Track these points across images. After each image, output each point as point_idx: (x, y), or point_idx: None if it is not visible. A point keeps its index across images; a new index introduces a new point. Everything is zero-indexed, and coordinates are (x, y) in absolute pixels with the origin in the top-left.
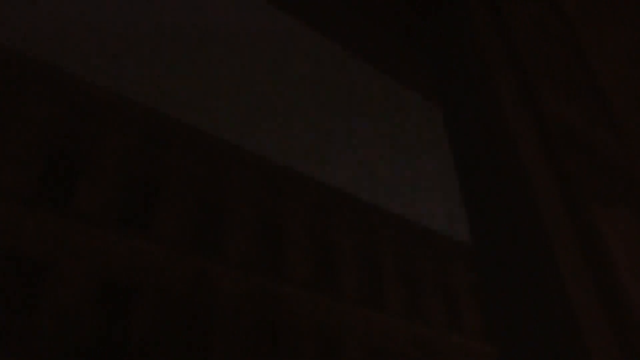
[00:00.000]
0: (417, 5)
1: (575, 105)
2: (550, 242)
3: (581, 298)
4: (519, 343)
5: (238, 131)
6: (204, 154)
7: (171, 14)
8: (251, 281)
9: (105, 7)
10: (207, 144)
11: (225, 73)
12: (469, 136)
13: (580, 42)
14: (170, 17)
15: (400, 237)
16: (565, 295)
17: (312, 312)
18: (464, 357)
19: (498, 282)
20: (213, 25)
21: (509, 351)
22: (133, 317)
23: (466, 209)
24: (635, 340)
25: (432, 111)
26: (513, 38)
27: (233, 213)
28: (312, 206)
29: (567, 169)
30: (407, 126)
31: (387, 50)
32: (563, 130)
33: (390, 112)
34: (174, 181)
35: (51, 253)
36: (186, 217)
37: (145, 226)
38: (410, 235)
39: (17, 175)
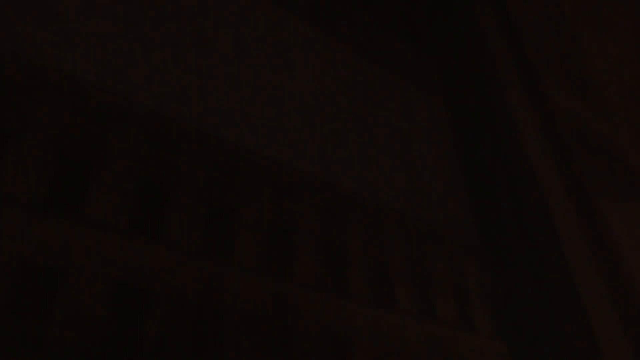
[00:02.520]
0: (424, 9)
1: (581, 101)
2: (559, 239)
3: (591, 294)
4: (529, 340)
5: (246, 134)
6: (213, 157)
7: (179, 17)
8: (261, 284)
9: (113, 12)
10: (216, 147)
11: (233, 76)
12: (475, 133)
13: (583, 42)
14: (178, 21)
15: (410, 236)
16: (574, 292)
17: (323, 314)
18: (475, 355)
19: (508, 279)
20: (221, 29)
21: (520, 348)
22: (145, 321)
23: (474, 207)
24: None
25: (440, 111)
26: (519, 37)
27: (242, 216)
28: (320, 207)
29: (576, 166)
30: (415, 126)
31: (395, 52)
32: (570, 125)
33: (398, 113)
34: (183, 185)
35: (62, 259)
36: (196, 220)
37: (155, 231)
38: (419, 234)
39: (27, 182)
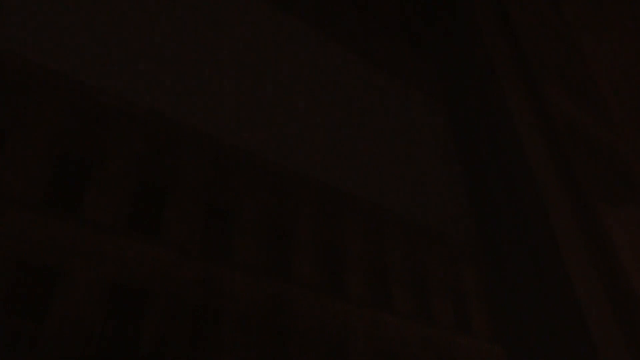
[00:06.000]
0: (425, 14)
1: (581, 105)
2: (558, 243)
3: (589, 298)
4: (527, 343)
5: (245, 134)
6: (212, 158)
7: (179, 18)
8: (259, 284)
9: (113, 12)
10: (214, 148)
11: (232, 77)
12: (475, 137)
13: (583, 45)
14: (178, 22)
15: (408, 238)
16: (573, 296)
17: (320, 315)
18: (472, 358)
19: (506, 283)
20: (221, 30)
21: (518, 352)
22: (143, 321)
23: (473, 209)
24: None
25: (441, 114)
26: (519, 41)
27: (241, 217)
28: (319, 208)
29: (575, 170)
30: (415, 129)
31: (396, 55)
32: (570, 129)
33: (398, 115)
34: (182, 185)
35: (60, 259)
36: (194, 221)
37: (154, 231)
38: (417, 236)
39: (26, 182)
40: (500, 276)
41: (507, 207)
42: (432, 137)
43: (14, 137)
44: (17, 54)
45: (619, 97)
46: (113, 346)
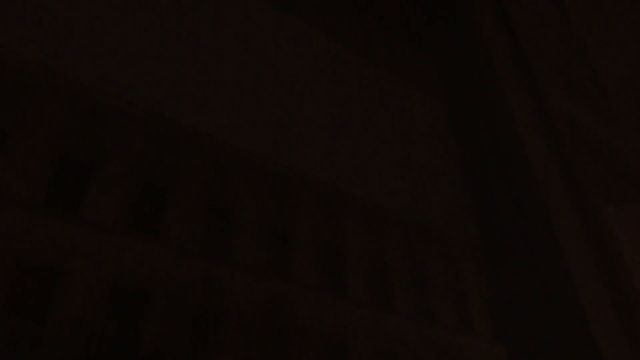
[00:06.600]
0: (424, 11)
1: (582, 104)
2: (559, 242)
3: (591, 298)
4: (527, 343)
5: (246, 135)
6: (212, 158)
7: (179, 18)
8: (259, 284)
9: (113, 12)
10: (215, 148)
11: (233, 77)
12: (476, 136)
13: (584, 44)
14: (178, 22)
15: (409, 238)
16: (574, 295)
17: (321, 315)
18: (473, 358)
19: (507, 282)
20: (221, 30)
21: (519, 352)
22: (144, 321)
23: (474, 209)
24: None
25: (441, 113)
26: (520, 40)
27: (241, 217)
28: (320, 208)
29: (576, 170)
30: (415, 128)
31: (396, 54)
32: (571, 128)
33: (398, 115)
34: (182, 186)
35: (61, 259)
36: (195, 221)
37: (154, 231)
38: (418, 236)
39: (26, 183)
40: (500, 276)
41: (508, 207)
42: (432, 137)
43: (14, 137)
44: (17, 54)
45: (621, 97)
46: (113, 346)
